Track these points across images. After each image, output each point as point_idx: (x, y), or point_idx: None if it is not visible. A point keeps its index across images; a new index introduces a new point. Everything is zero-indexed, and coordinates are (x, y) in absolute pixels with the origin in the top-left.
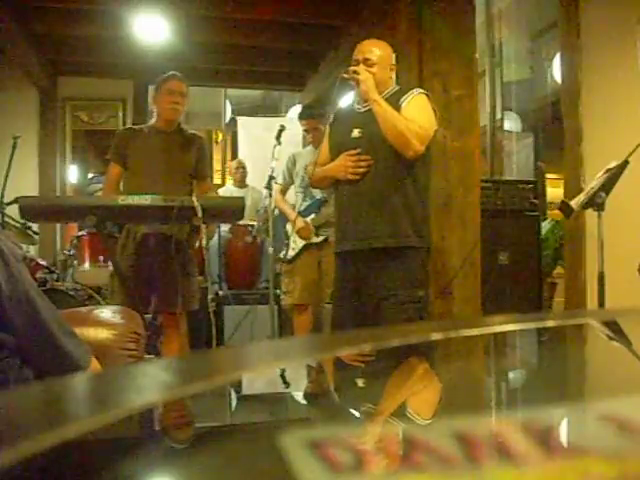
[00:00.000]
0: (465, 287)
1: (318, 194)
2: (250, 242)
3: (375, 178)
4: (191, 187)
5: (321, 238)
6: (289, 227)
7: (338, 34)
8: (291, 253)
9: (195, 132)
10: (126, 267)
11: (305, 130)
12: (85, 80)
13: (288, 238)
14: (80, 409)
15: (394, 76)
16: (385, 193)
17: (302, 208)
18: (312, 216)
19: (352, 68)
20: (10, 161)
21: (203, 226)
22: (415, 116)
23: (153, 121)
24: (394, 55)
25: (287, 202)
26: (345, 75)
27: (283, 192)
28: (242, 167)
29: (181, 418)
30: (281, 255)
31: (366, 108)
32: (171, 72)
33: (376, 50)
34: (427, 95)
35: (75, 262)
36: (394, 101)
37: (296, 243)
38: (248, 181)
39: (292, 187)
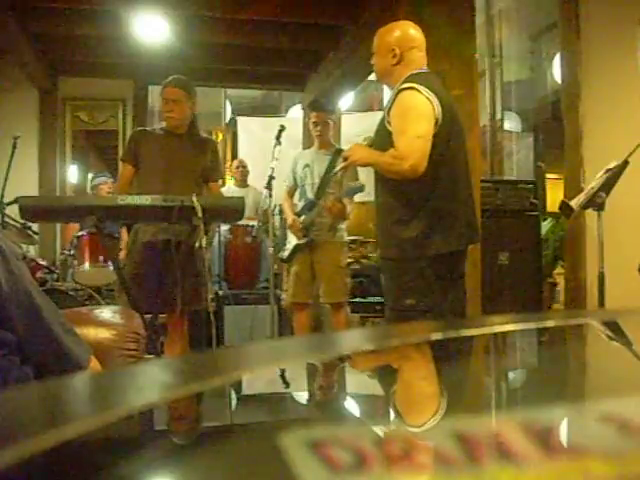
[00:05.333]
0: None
1: (310, 195)
2: (250, 242)
3: (378, 192)
4: (201, 189)
5: (305, 240)
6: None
7: (338, 34)
8: (286, 253)
9: (207, 136)
10: (133, 269)
11: (314, 122)
12: (85, 80)
13: (287, 238)
14: (80, 409)
15: (409, 61)
16: (384, 206)
17: (297, 208)
18: (303, 217)
19: (343, 156)
20: (10, 161)
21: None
22: (395, 134)
23: (164, 124)
24: (405, 38)
25: (290, 202)
26: (341, 166)
27: (290, 194)
28: (243, 166)
29: (181, 418)
30: (279, 255)
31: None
32: (170, 78)
33: (377, 36)
34: (407, 89)
35: (75, 262)
36: (386, 109)
37: (290, 243)
38: (248, 181)
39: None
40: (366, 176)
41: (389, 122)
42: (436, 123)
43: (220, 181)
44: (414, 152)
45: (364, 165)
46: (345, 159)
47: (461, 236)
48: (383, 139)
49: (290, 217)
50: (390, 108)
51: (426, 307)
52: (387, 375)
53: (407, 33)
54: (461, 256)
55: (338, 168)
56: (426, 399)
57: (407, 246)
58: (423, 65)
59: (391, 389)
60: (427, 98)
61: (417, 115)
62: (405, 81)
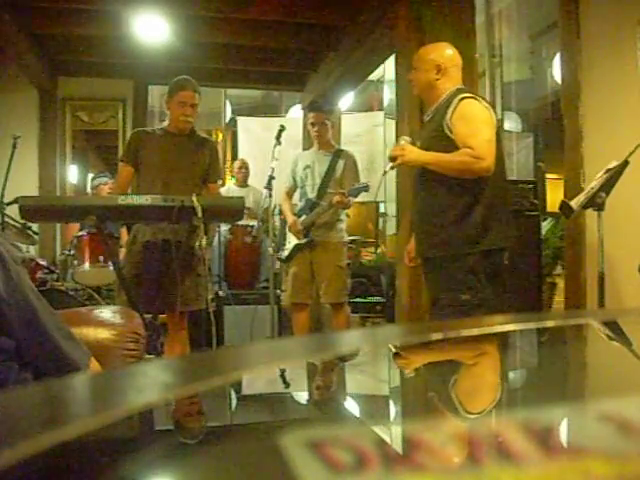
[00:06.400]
0: None
1: (311, 195)
2: (250, 242)
3: (426, 193)
4: (201, 189)
5: (305, 240)
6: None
7: (338, 34)
8: (285, 253)
9: (206, 136)
10: (132, 269)
11: (312, 123)
12: (85, 80)
13: (286, 239)
14: (80, 409)
15: (451, 75)
16: (433, 207)
17: (298, 208)
18: (303, 217)
19: (392, 155)
20: (10, 161)
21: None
22: (465, 136)
23: (165, 124)
24: (446, 55)
25: (290, 203)
26: (391, 166)
27: (289, 194)
28: (245, 167)
29: (181, 418)
30: (278, 255)
31: (427, 118)
32: (184, 78)
33: (419, 54)
34: (468, 98)
35: (75, 262)
36: (440, 115)
37: (290, 243)
38: (248, 181)
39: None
40: (365, 177)
41: (449, 128)
42: (494, 130)
43: (219, 182)
44: (489, 154)
45: (419, 165)
46: (394, 159)
47: (510, 233)
48: (438, 144)
49: (290, 218)
50: (450, 115)
51: (479, 302)
52: (385, 375)
53: (450, 52)
54: (505, 253)
55: (388, 167)
56: (425, 399)
57: (461, 242)
58: (460, 82)
59: (389, 389)
60: (486, 107)
61: (483, 121)
62: (459, 92)
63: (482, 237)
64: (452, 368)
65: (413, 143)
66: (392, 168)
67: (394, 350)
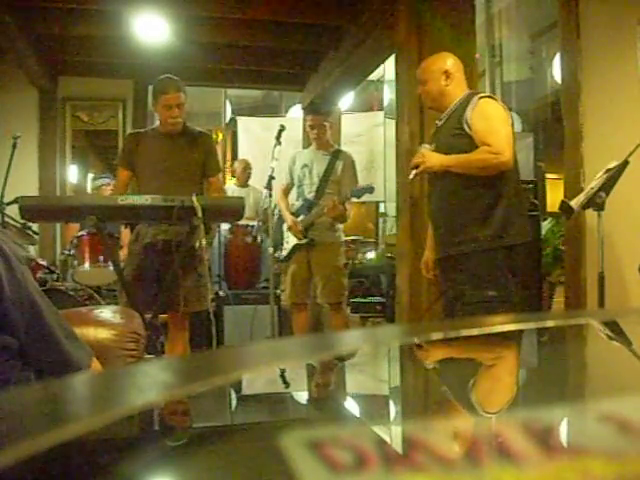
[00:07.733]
0: None
1: (309, 195)
2: (250, 242)
3: (444, 191)
4: (201, 186)
5: (306, 240)
6: (285, 227)
7: (338, 34)
8: (283, 253)
9: (201, 130)
10: (133, 270)
11: (310, 126)
12: (85, 80)
13: (283, 238)
14: (80, 409)
15: (458, 81)
16: (457, 205)
17: (295, 208)
18: (301, 217)
19: (414, 164)
20: (10, 161)
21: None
22: (484, 134)
23: (157, 124)
24: (450, 62)
25: (287, 201)
26: (415, 173)
27: (286, 192)
28: (250, 168)
29: (181, 418)
30: (276, 255)
31: (440, 123)
32: (166, 77)
33: (424, 67)
34: (486, 97)
35: (75, 262)
36: (459, 114)
37: (288, 243)
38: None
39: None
40: (365, 178)
41: (469, 125)
42: (510, 128)
43: (220, 175)
44: (507, 148)
45: (441, 169)
46: (416, 167)
47: (528, 229)
48: (460, 141)
49: (289, 218)
50: (470, 113)
51: (506, 297)
52: (384, 376)
53: (452, 60)
54: (525, 248)
55: (411, 176)
56: (425, 399)
57: (486, 239)
58: (466, 86)
59: (389, 389)
60: (503, 107)
61: (501, 119)
62: (475, 93)
63: (506, 232)
64: (451, 368)
65: (433, 150)
66: (415, 176)
67: (393, 350)
